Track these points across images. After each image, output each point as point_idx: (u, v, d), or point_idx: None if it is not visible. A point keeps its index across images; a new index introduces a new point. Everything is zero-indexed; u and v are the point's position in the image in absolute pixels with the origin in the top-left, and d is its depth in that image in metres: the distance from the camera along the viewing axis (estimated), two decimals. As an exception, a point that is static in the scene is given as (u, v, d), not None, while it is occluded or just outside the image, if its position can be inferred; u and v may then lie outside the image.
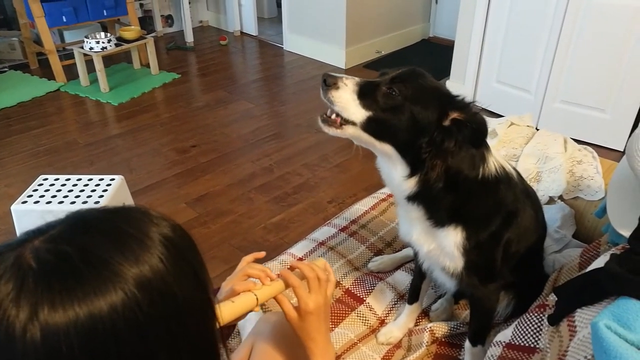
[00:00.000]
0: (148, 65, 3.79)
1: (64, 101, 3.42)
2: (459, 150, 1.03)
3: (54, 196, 1.87)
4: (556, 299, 1.04)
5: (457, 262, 1.18)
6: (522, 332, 1.09)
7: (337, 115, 1.07)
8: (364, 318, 1.56)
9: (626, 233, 1.05)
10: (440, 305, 1.58)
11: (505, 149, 2.06)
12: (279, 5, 4.85)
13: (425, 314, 1.58)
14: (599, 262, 1.00)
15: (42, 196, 1.87)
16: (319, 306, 0.91)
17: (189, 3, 4.40)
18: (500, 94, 3.16)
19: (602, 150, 2.64)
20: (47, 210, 1.78)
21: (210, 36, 4.71)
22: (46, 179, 1.97)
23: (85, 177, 1.99)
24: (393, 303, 1.62)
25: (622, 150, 2.71)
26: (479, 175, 1.08)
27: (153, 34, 4.49)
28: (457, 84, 3.33)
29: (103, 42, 3.41)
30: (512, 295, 1.41)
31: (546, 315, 1.04)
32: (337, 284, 1.65)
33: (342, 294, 1.63)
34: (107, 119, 3.22)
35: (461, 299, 1.61)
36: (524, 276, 1.34)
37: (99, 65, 3.39)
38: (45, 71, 3.72)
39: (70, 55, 3.65)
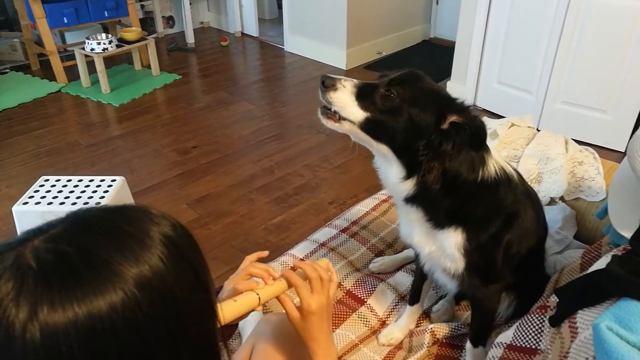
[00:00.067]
0: (149, 66, 3.79)
1: (65, 102, 3.43)
2: (458, 153, 1.03)
3: (55, 197, 1.88)
4: (557, 300, 1.04)
5: (458, 263, 1.18)
6: (523, 333, 1.09)
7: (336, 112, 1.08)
8: (365, 319, 1.56)
9: (627, 234, 1.05)
10: (442, 306, 1.58)
11: (506, 150, 2.06)
12: (279, 6, 4.86)
13: (426, 315, 1.58)
14: (601, 264, 1.00)
15: (43, 197, 1.87)
16: (322, 306, 0.91)
17: (190, 4, 4.40)
18: (501, 94, 3.16)
19: (603, 151, 2.63)
20: (48, 212, 1.78)
21: (211, 37, 4.71)
22: (47, 180, 1.97)
23: (86, 178, 1.99)
24: (394, 304, 1.62)
25: (623, 151, 2.71)
26: (478, 178, 1.08)
27: (154, 35, 4.49)
28: (458, 85, 3.33)
29: (104, 43, 3.42)
30: (513, 297, 1.40)
31: (547, 317, 1.04)
32: (339, 285, 1.65)
33: (343, 295, 1.63)
34: (108, 120, 3.22)
35: (462, 300, 1.60)
36: (525, 277, 1.34)
37: (100, 66, 3.40)
38: (47, 72, 3.72)
39: (72, 57, 3.66)
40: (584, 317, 0.90)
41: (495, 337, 1.22)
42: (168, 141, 2.94)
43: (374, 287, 1.65)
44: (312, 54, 4.15)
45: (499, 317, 1.42)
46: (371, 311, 1.59)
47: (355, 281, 1.68)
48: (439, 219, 1.14)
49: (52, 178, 1.99)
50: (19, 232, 1.86)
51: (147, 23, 4.51)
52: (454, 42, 3.34)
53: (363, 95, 1.06)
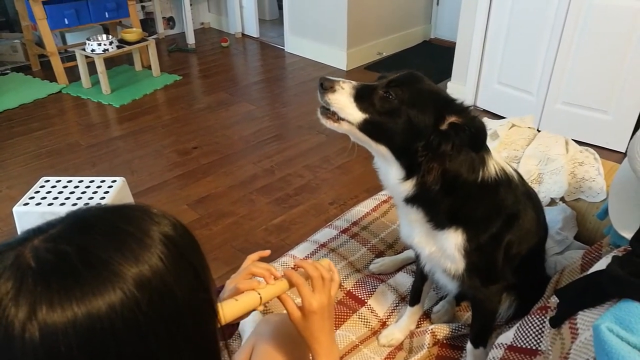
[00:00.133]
0: (149, 67, 3.80)
1: (66, 103, 3.43)
2: (457, 154, 1.03)
3: (56, 198, 1.88)
4: (558, 301, 1.04)
5: (458, 264, 1.18)
6: (523, 334, 1.09)
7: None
8: (366, 320, 1.56)
9: (628, 235, 1.05)
10: (442, 307, 1.58)
11: (507, 150, 2.06)
12: (280, 7, 4.86)
13: (426, 315, 1.58)
14: (601, 264, 1.00)
15: (43, 198, 1.87)
16: (323, 306, 0.90)
17: (191, 5, 4.41)
18: (501, 95, 3.16)
19: (604, 152, 2.63)
20: (48, 212, 1.78)
21: (211, 38, 4.71)
22: (48, 181, 1.97)
23: (86, 179, 1.99)
24: (394, 305, 1.62)
25: (624, 151, 2.70)
26: (478, 179, 1.08)
27: (154, 36, 4.50)
28: (459, 86, 3.33)
29: (105, 44, 3.42)
30: (513, 297, 1.40)
31: (548, 318, 1.04)
32: (339, 285, 1.65)
33: (343, 296, 1.63)
34: (108, 121, 3.22)
35: (463, 301, 1.60)
36: (526, 278, 1.33)
37: (100, 67, 3.40)
38: (47, 73, 3.73)
39: (72, 58, 3.66)
40: (585, 318, 0.90)
41: (495, 338, 1.22)
42: (168, 142, 2.94)
43: (375, 288, 1.65)
44: (312, 55, 4.15)
45: (499, 317, 1.42)
46: (371, 312, 1.59)
47: (356, 282, 1.68)
48: (439, 220, 1.14)
49: (53, 179, 1.99)
50: (19, 233, 1.86)
51: (147, 24, 4.51)
52: (455, 43, 3.34)
53: (361, 97, 1.06)
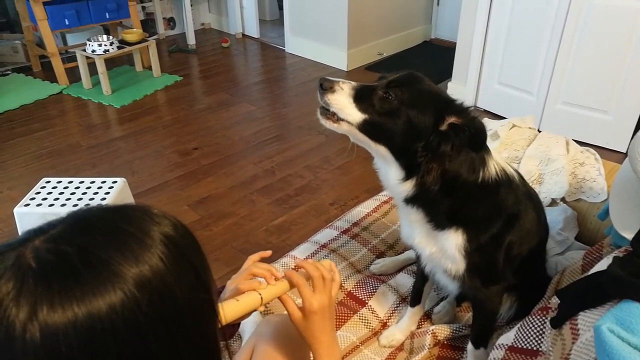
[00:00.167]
0: (150, 68, 3.80)
1: (67, 104, 3.43)
2: (457, 155, 1.03)
3: (57, 199, 1.88)
4: (559, 301, 1.04)
5: (458, 264, 1.18)
6: (524, 334, 1.09)
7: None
8: (366, 321, 1.56)
9: (629, 235, 1.05)
10: (443, 307, 1.58)
11: (507, 151, 2.06)
12: (280, 7, 4.86)
13: (427, 316, 1.58)
14: (602, 265, 1.00)
15: (44, 199, 1.88)
16: (324, 306, 0.90)
17: (191, 6, 4.41)
18: (502, 95, 3.16)
19: (604, 152, 2.63)
20: (49, 213, 1.78)
21: (212, 38, 4.72)
22: (49, 182, 1.98)
23: (87, 180, 2.00)
24: (395, 306, 1.61)
25: (624, 151, 2.70)
26: (478, 179, 1.08)
27: (155, 37, 4.50)
28: (459, 86, 3.33)
29: (105, 45, 3.42)
30: (514, 298, 1.40)
31: (549, 318, 1.04)
32: (340, 286, 1.65)
33: (344, 297, 1.63)
34: (109, 122, 3.23)
35: (464, 302, 1.60)
36: (527, 278, 1.33)
37: (101, 68, 3.40)
38: (48, 74, 3.73)
39: (73, 58, 3.66)
40: (586, 319, 0.90)
41: (496, 339, 1.22)
42: (169, 142, 2.94)
43: (375, 289, 1.65)
44: (313, 55, 4.15)
45: (500, 318, 1.42)
46: (372, 313, 1.59)
47: (356, 283, 1.68)
48: (439, 220, 1.14)
49: (54, 180, 1.99)
50: (20, 233, 1.86)
51: (148, 24, 4.51)
52: (455, 43, 3.34)
53: (361, 97, 1.06)
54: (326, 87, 1.07)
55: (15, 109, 3.29)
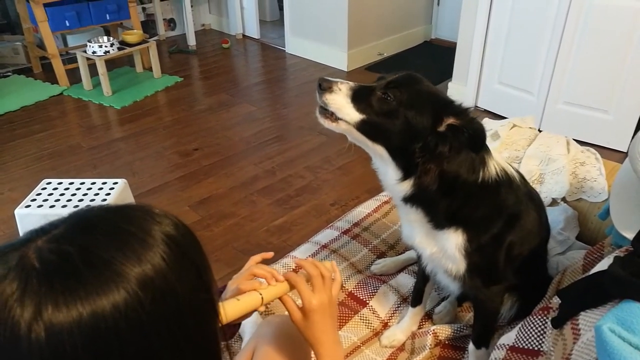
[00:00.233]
0: (150, 69, 3.80)
1: (67, 105, 3.43)
2: (456, 155, 1.03)
3: (57, 200, 1.88)
4: (560, 301, 1.04)
5: (459, 264, 1.18)
6: (525, 334, 1.09)
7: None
8: (367, 321, 1.56)
9: (630, 235, 1.05)
10: (444, 307, 1.58)
11: (508, 151, 2.06)
12: (281, 8, 4.86)
13: (428, 316, 1.58)
14: (603, 265, 1.00)
15: (45, 200, 1.88)
16: (323, 304, 0.90)
17: (191, 6, 4.41)
18: (502, 95, 3.16)
19: (605, 151, 2.63)
20: (50, 214, 1.79)
21: (212, 39, 4.72)
22: (49, 183, 1.98)
23: (88, 181, 2.00)
24: (396, 306, 1.61)
25: (625, 151, 2.70)
26: (478, 179, 1.08)
27: (155, 38, 4.50)
28: (459, 86, 3.33)
29: (106, 46, 3.43)
30: (515, 298, 1.40)
31: (550, 318, 1.04)
32: (341, 286, 1.65)
33: (345, 297, 1.63)
34: (110, 123, 3.23)
35: (465, 302, 1.60)
36: (528, 278, 1.33)
37: (101, 69, 3.40)
38: (49, 75, 3.73)
39: (73, 59, 3.66)
40: (587, 319, 0.90)
41: (497, 339, 1.22)
42: (169, 143, 2.95)
43: (376, 289, 1.65)
44: (313, 56, 4.15)
45: (501, 318, 1.42)
46: (373, 313, 1.59)
47: (357, 283, 1.68)
48: (439, 220, 1.14)
49: (54, 181, 1.99)
50: (21, 235, 1.87)
51: (148, 26, 4.51)
52: (455, 43, 3.34)
53: (359, 98, 1.07)
54: (325, 87, 1.07)
55: (16, 111, 3.29)
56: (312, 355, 0.94)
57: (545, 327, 1.05)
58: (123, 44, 3.60)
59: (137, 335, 0.49)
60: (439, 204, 1.10)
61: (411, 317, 1.51)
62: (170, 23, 4.72)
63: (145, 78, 3.80)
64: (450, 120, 1.02)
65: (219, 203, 2.40)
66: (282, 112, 3.38)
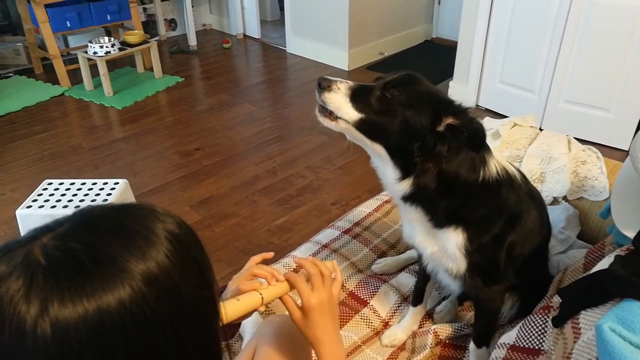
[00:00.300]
0: (152, 69, 3.80)
1: (68, 105, 3.44)
2: (455, 155, 1.03)
3: (59, 200, 1.88)
4: (560, 300, 1.04)
5: (459, 263, 1.18)
6: (526, 333, 1.09)
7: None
8: (368, 320, 1.56)
9: (631, 234, 1.05)
10: (445, 307, 1.58)
11: (509, 150, 2.05)
12: (281, 8, 4.86)
13: (429, 315, 1.58)
14: (604, 264, 1.00)
15: (46, 200, 1.88)
16: (322, 302, 0.90)
17: (192, 7, 4.41)
18: (503, 94, 3.16)
19: (606, 150, 2.62)
20: (51, 215, 1.79)
21: (213, 39, 4.72)
22: (51, 184, 1.98)
23: (89, 181, 2.00)
24: (397, 305, 1.61)
25: (627, 149, 2.70)
26: (479, 178, 1.08)
27: (156, 38, 4.50)
28: (461, 85, 3.32)
29: (107, 47, 3.43)
30: (516, 297, 1.40)
31: (550, 317, 1.04)
32: (342, 285, 1.65)
33: (345, 297, 1.63)
34: (111, 123, 3.23)
35: (465, 301, 1.60)
36: (529, 278, 1.33)
37: (102, 69, 3.41)
38: (50, 76, 3.74)
39: (75, 60, 3.67)
40: (587, 318, 0.90)
41: (498, 338, 1.22)
42: (171, 143, 2.95)
43: (377, 289, 1.65)
44: (314, 55, 4.15)
45: (502, 317, 1.42)
46: (374, 312, 1.59)
47: (358, 282, 1.68)
48: (439, 219, 1.14)
49: (56, 181, 2.00)
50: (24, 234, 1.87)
51: (149, 26, 4.52)
52: (456, 42, 3.34)
53: (358, 97, 1.07)
54: (324, 86, 1.08)
55: (17, 111, 3.30)
56: (314, 355, 0.94)
57: (546, 326, 1.05)
58: (124, 45, 3.60)
59: (142, 331, 0.50)
60: (439, 203, 1.10)
61: (412, 316, 1.51)
62: (171, 23, 4.73)
63: (146, 78, 3.81)
64: (450, 120, 1.02)
65: (220, 203, 2.40)
66: (283, 112, 3.38)
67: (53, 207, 1.85)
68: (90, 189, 1.96)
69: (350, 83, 1.09)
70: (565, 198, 1.85)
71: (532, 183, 1.48)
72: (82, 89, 3.59)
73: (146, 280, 0.50)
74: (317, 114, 1.12)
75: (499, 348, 1.14)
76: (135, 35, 3.65)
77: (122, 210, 0.57)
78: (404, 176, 1.07)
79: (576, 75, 2.75)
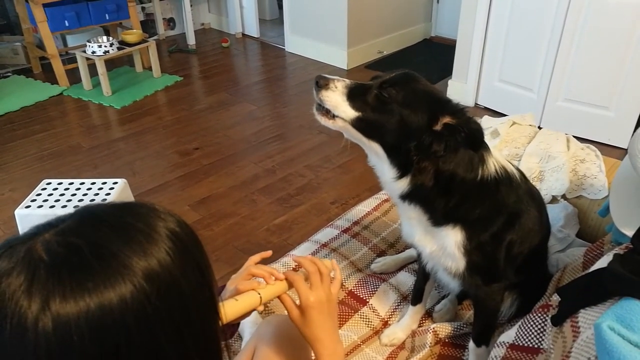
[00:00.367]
0: (150, 69, 3.80)
1: (67, 105, 3.43)
2: (452, 154, 1.03)
3: (58, 200, 1.88)
4: (559, 299, 1.04)
5: (458, 262, 1.18)
6: (525, 332, 1.09)
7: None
8: (367, 320, 1.56)
9: (629, 232, 1.05)
10: (444, 305, 1.58)
11: (508, 148, 2.05)
12: (280, 6, 4.86)
13: (428, 314, 1.58)
14: (603, 262, 1.00)
15: (45, 200, 1.88)
16: (321, 301, 0.90)
17: (191, 6, 4.41)
18: (502, 92, 3.16)
19: (605, 148, 2.63)
20: (50, 215, 1.79)
21: (212, 38, 4.72)
22: (49, 183, 1.98)
23: (88, 181, 2.00)
24: (396, 304, 1.61)
25: (625, 148, 2.70)
26: (477, 177, 1.08)
27: (155, 37, 4.50)
28: (460, 83, 3.32)
29: (105, 46, 3.42)
30: (515, 296, 1.40)
31: (550, 316, 1.04)
32: (341, 284, 1.65)
33: (345, 296, 1.63)
34: (109, 123, 3.23)
35: (465, 300, 1.60)
36: (528, 276, 1.33)
37: (101, 69, 3.40)
38: (48, 75, 3.73)
39: (73, 60, 3.66)
40: (586, 317, 0.90)
41: (497, 337, 1.22)
42: (170, 143, 2.95)
43: (376, 288, 1.65)
44: (313, 54, 4.15)
45: (501, 316, 1.42)
46: (373, 311, 1.59)
47: (357, 281, 1.68)
48: (437, 217, 1.14)
49: (55, 181, 1.99)
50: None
51: (148, 25, 4.51)
52: (455, 41, 3.34)
53: (355, 95, 1.07)
54: (321, 84, 1.08)
55: (16, 111, 3.29)
56: (313, 355, 0.94)
57: (545, 325, 1.05)
58: (122, 44, 3.60)
59: (143, 328, 0.50)
60: (437, 201, 1.10)
61: (411, 315, 1.51)
62: (170, 22, 4.72)
63: (145, 78, 3.80)
64: (447, 119, 1.02)
65: (219, 202, 2.40)
66: (282, 111, 3.38)
67: (52, 206, 1.85)
68: (89, 188, 1.95)
69: (348, 81, 1.09)
70: (564, 196, 1.85)
71: (531, 181, 1.48)
72: (80, 89, 3.58)
73: (147, 277, 0.50)
74: (314, 112, 1.12)
75: (499, 347, 1.14)
76: (133, 34, 3.65)
77: (123, 207, 0.57)
78: (401, 175, 1.07)
79: (575, 73, 2.75)
